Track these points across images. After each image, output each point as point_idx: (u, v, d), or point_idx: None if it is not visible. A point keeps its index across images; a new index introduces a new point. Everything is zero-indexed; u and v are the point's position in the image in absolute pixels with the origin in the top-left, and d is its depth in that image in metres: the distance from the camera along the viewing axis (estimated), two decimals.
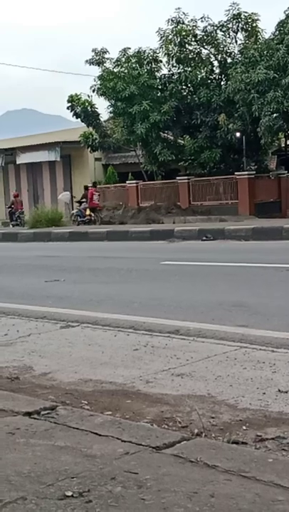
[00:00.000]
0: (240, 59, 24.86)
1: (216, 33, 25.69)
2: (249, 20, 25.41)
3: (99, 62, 27.11)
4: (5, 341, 5.00)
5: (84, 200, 26.03)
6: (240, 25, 25.47)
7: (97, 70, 27.26)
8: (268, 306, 6.01)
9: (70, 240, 17.68)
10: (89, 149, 29.83)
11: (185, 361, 4.12)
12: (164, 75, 26.96)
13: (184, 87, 26.33)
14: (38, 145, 33.12)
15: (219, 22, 25.60)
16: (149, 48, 26.69)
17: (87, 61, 27.34)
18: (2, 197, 36.82)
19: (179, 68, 26.33)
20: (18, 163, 35.28)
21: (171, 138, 27.52)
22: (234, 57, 25.92)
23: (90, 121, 28.46)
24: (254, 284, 7.53)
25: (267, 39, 24.81)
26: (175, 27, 25.66)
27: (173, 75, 26.54)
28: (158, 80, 26.66)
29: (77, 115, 28.54)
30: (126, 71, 26.18)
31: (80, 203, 26.51)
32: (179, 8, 26.03)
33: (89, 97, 27.91)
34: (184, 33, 25.61)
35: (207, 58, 26.44)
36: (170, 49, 25.88)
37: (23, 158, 34.57)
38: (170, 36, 25.70)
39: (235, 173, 24.28)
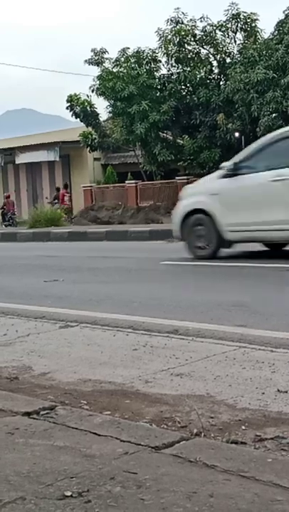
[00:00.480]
0: (239, 59, 24.89)
1: (215, 32, 25.73)
2: (248, 20, 25.45)
3: (98, 62, 27.15)
4: (4, 341, 4.99)
5: (56, 201, 27.01)
6: (239, 25, 25.52)
7: (96, 70, 27.29)
8: (267, 305, 6.01)
9: (69, 240, 17.68)
10: (88, 149, 29.86)
11: (184, 361, 4.12)
12: (163, 74, 27.00)
13: (183, 87, 26.36)
14: (37, 145, 33.14)
15: (218, 22, 25.64)
16: (148, 48, 26.75)
17: (86, 61, 27.38)
18: (1, 197, 36.84)
19: (178, 68, 26.37)
20: (17, 163, 35.30)
21: (171, 138, 27.55)
22: (233, 57, 25.96)
23: (89, 121, 28.49)
24: (254, 284, 7.53)
25: (266, 39, 24.84)
26: (174, 27, 25.70)
27: (172, 74, 26.57)
28: (157, 80, 26.69)
29: (76, 115, 28.58)
30: (125, 71, 26.21)
31: (52, 203, 27.20)
32: (178, 8, 26.09)
33: (88, 97, 27.96)
34: (183, 33, 25.64)
35: (206, 58, 26.48)
36: (169, 49, 25.92)
37: (22, 158, 34.59)
38: (169, 36, 25.74)
39: None
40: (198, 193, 10.45)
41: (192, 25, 25.89)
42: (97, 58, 27.20)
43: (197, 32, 25.89)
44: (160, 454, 2.46)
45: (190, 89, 26.29)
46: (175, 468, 2.32)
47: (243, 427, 2.97)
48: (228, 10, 25.37)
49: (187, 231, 10.40)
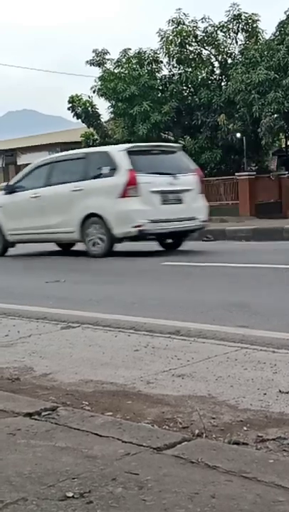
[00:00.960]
0: (240, 60, 24.88)
1: (217, 33, 25.72)
2: (249, 21, 25.44)
3: (99, 63, 27.15)
4: (5, 342, 5.00)
5: None
6: (240, 25, 25.51)
7: (97, 71, 27.30)
8: (268, 306, 6.01)
9: None
10: None
11: (186, 362, 4.12)
12: (165, 75, 27.00)
13: (184, 87, 26.36)
14: (38, 146, 33.17)
15: (220, 23, 25.64)
16: (150, 49, 26.74)
17: (87, 62, 27.39)
18: None
19: (179, 69, 26.37)
20: (18, 163, 35.32)
21: (172, 139, 27.55)
22: (235, 57, 25.95)
23: (91, 122, 28.49)
24: (255, 285, 7.53)
25: (267, 40, 24.84)
26: (176, 28, 25.69)
27: (173, 75, 26.57)
28: (158, 81, 26.70)
29: (77, 116, 28.57)
30: (126, 72, 26.21)
31: None
32: (179, 9, 26.09)
33: (89, 97, 27.95)
34: (184, 34, 25.64)
35: (208, 59, 26.47)
36: (171, 50, 25.91)
37: (23, 159, 34.61)
38: (170, 37, 25.73)
39: (236, 173, 24.29)
40: None
41: (193, 26, 25.89)
42: (98, 59, 27.20)
43: (198, 33, 25.89)
44: (162, 454, 2.46)
45: (191, 89, 26.28)
46: (177, 469, 2.32)
47: (245, 428, 2.97)
48: (229, 11, 25.38)
49: None
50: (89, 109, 28.23)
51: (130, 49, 27.11)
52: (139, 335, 4.97)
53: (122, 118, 26.59)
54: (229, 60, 26.17)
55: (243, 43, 25.83)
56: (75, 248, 13.19)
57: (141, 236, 11.78)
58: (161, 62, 26.83)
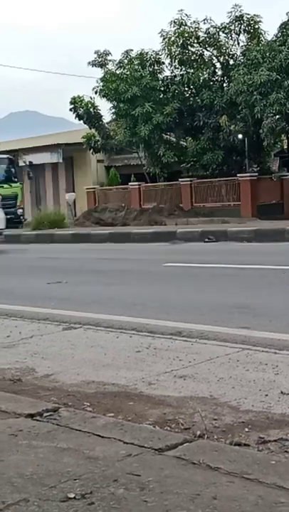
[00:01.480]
0: (242, 61, 24.86)
1: (219, 34, 25.70)
2: (251, 22, 25.42)
3: (101, 64, 27.16)
4: (7, 343, 5.00)
5: None
6: (242, 27, 25.49)
7: (99, 72, 27.30)
8: (270, 307, 6.01)
9: (72, 242, 17.69)
10: (91, 151, 29.83)
11: (187, 363, 4.12)
12: (167, 76, 26.99)
13: (186, 88, 26.35)
14: (40, 147, 33.13)
15: (221, 24, 25.61)
16: (152, 50, 26.73)
17: (89, 63, 27.39)
18: None
19: (181, 70, 26.35)
20: (20, 164, 35.33)
21: (174, 140, 27.55)
22: (236, 58, 25.93)
23: (93, 123, 28.47)
24: (256, 286, 7.53)
25: (269, 41, 24.80)
26: (177, 29, 25.68)
27: (175, 76, 26.56)
28: (160, 82, 26.68)
29: (79, 117, 28.56)
30: (128, 73, 26.22)
31: None
32: (181, 10, 26.07)
33: (91, 98, 27.94)
34: (186, 35, 25.62)
35: (209, 60, 26.46)
36: (172, 51, 25.90)
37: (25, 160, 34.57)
38: (172, 38, 25.72)
39: (238, 174, 24.28)
40: None
41: (195, 27, 25.86)
42: (100, 60, 27.19)
43: (200, 34, 25.86)
44: (163, 456, 2.46)
45: (193, 91, 26.26)
46: (178, 470, 2.32)
47: (247, 429, 2.97)
48: (231, 12, 25.34)
49: None
50: (91, 110, 28.22)
51: (132, 50, 27.12)
52: (140, 336, 4.97)
53: (123, 119, 26.57)
54: (231, 61, 26.14)
55: (245, 44, 25.81)
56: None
57: None
58: (163, 63, 26.82)
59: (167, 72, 27.00)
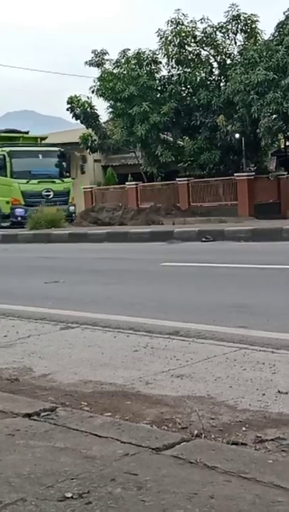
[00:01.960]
0: (239, 60, 24.87)
1: (216, 34, 25.70)
2: (248, 22, 25.43)
3: (98, 64, 27.15)
4: (4, 343, 5.00)
5: None
6: (239, 26, 25.49)
7: (96, 72, 27.30)
8: (268, 307, 6.01)
9: (69, 242, 17.67)
10: (88, 151, 29.83)
11: (185, 362, 4.12)
12: (164, 76, 27.00)
13: (183, 88, 26.35)
14: None
15: (218, 23, 25.62)
16: (149, 49, 26.74)
17: (86, 62, 27.37)
18: None
19: (178, 69, 26.35)
20: None
21: (171, 139, 27.55)
22: (233, 58, 25.94)
23: (90, 123, 28.47)
24: (254, 286, 7.53)
25: (266, 40, 24.82)
26: (175, 28, 25.67)
27: (172, 76, 26.56)
28: (157, 81, 26.69)
29: (76, 117, 28.55)
30: (125, 72, 26.21)
31: None
32: (178, 10, 26.06)
33: (88, 98, 27.93)
34: (183, 34, 25.62)
35: (206, 59, 26.46)
36: (170, 50, 25.90)
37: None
38: (170, 37, 25.72)
39: (235, 174, 24.28)
40: None
41: (192, 27, 25.86)
42: (97, 60, 27.17)
43: (197, 33, 25.86)
44: (161, 455, 2.47)
45: (190, 90, 26.26)
46: (176, 469, 2.32)
47: (244, 428, 2.98)
48: (228, 11, 25.34)
49: None
50: (88, 110, 28.22)
51: (129, 49, 27.12)
52: (138, 335, 4.97)
53: (120, 118, 26.56)
54: (228, 61, 26.14)
55: (242, 43, 25.81)
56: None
57: None
58: (160, 62, 26.82)
59: (164, 72, 27.02)
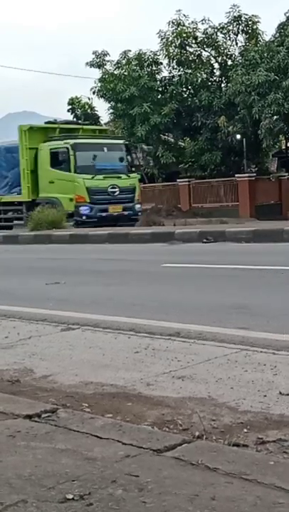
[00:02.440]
0: (240, 61, 24.92)
1: (217, 35, 25.77)
2: (249, 23, 25.48)
3: (99, 65, 27.20)
4: (5, 344, 4.99)
5: None
6: (240, 27, 25.55)
7: (97, 73, 27.34)
8: (268, 308, 6.01)
9: (70, 243, 17.66)
10: None
11: (186, 364, 4.11)
12: (165, 77, 27.06)
13: (184, 89, 26.40)
14: None
15: (220, 24, 25.68)
16: (150, 51, 26.78)
17: (87, 63, 27.43)
18: None
19: (179, 70, 26.41)
20: None
21: (172, 140, 27.58)
22: (235, 59, 26.00)
23: (90, 124, 28.52)
24: (255, 286, 7.52)
25: (267, 41, 24.86)
26: (176, 29, 25.72)
27: (173, 77, 26.61)
28: (158, 82, 26.76)
29: (77, 118, 28.61)
30: (126, 73, 26.24)
31: None
32: (179, 11, 26.15)
33: (89, 99, 27.99)
34: (184, 35, 25.67)
35: (207, 60, 26.52)
36: (171, 51, 25.94)
37: None
38: (170, 38, 25.76)
39: (236, 175, 24.31)
40: None
41: (193, 28, 25.93)
42: (98, 61, 27.23)
43: (198, 34, 25.92)
44: (162, 456, 2.46)
45: (191, 91, 26.31)
46: (177, 471, 2.32)
47: (245, 430, 2.97)
48: (229, 12, 25.42)
49: None
50: (88, 111, 28.29)
51: (130, 50, 27.19)
52: (139, 337, 4.97)
53: (121, 119, 26.60)
54: (229, 62, 26.20)
55: (243, 44, 25.87)
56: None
57: None
58: (161, 63, 26.88)
59: (165, 73, 27.09)
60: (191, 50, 26.18)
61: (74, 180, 20.97)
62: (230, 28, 25.51)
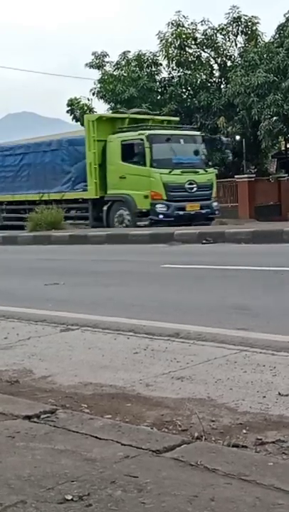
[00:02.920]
0: (240, 62, 24.94)
1: (216, 36, 25.79)
2: (249, 24, 25.50)
3: (99, 66, 27.21)
4: (5, 344, 4.99)
5: None
6: (240, 28, 25.58)
7: (97, 74, 27.36)
8: (268, 309, 6.01)
9: (70, 243, 17.65)
10: None
11: (185, 364, 4.11)
12: (164, 78, 27.08)
13: (183, 90, 26.43)
14: None
15: (219, 25, 25.70)
16: (149, 51, 26.80)
17: (87, 65, 27.45)
18: None
19: (178, 71, 26.43)
20: None
21: None
22: (234, 60, 26.02)
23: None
24: (254, 287, 7.53)
25: (267, 42, 24.89)
26: (175, 30, 25.74)
27: (173, 78, 26.63)
28: (158, 83, 26.77)
29: (76, 119, 28.60)
30: (126, 74, 26.26)
31: None
32: (179, 11, 26.15)
33: (89, 100, 27.99)
34: (184, 36, 25.70)
35: (207, 61, 26.54)
36: (170, 52, 25.96)
37: None
38: (170, 39, 25.78)
39: (235, 176, 24.32)
40: None
41: (193, 29, 25.95)
42: (98, 61, 27.24)
43: (198, 35, 25.95)
44: (161, 457, 2.46)
45: (191, 92, 26.33)
46: (176, 471, 2.31)
47: (244, 431, 2.97)
48: (229, 13, 25.44)
49: None
50: (87, 112, 28.28)
51: (130, 51, 27.21)
52: (138, 337, 4.97)
53: None
54: (228, 63, 26.23)
55: (243, 45, 25.89)
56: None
57: None
58: (161, 64, 26.89)
59: (165, 74, 27.10)
60: (190, 51, 26.21)
61: (150, 175, 18.90)
62: (230, 29, 25.54)
